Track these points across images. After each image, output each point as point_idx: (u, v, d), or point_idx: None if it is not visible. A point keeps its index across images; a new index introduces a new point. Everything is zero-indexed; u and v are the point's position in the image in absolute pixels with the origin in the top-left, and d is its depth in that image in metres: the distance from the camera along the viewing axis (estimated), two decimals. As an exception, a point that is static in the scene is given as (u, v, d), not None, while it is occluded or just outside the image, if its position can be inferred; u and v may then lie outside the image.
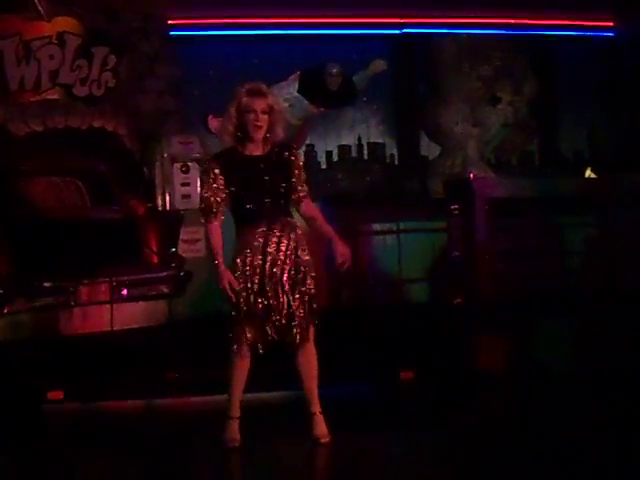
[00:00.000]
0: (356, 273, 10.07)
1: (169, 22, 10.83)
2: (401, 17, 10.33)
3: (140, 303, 8.52)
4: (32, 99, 10.05)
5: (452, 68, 11.93)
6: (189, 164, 9.77)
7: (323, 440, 5.61)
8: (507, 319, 8.22)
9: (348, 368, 7.30)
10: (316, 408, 5.68)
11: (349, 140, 12.59)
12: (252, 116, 5.57)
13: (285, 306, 5.55)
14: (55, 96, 10.17)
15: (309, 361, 5.68)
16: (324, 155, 12.23)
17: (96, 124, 10.30)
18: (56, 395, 6.87)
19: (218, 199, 5.58)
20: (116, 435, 6.31)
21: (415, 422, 6.43)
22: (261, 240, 5.56)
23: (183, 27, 10.93)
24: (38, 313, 8.05)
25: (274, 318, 5.54)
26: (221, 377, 5.68)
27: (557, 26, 11.87)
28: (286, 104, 10.33)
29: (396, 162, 12.76)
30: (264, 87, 5.70)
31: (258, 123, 5.57)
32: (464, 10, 11.61)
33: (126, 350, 7.65)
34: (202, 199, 5.66)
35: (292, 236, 5.63)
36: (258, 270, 5.55)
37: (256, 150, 5.68)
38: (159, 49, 10.79)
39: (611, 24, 11.73)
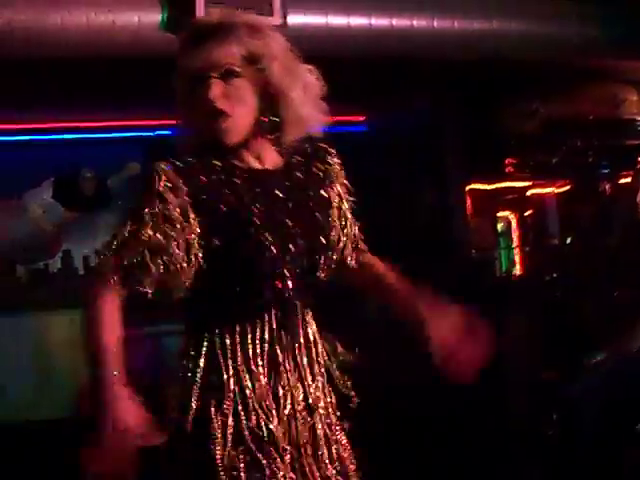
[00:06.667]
0: None
1: None
2: (155, 119, 9.91)
3: None
4: None
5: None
6: None
7: None
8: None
9: None
10: None
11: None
12: (200, 91, 2.55)
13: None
14: None
15: None
16: (81, 260, 10.79)
17: None
18: None
19: (186, 255, 2.59)
20: None
21: None
22: (268, 359, 2.64)
23: None
24: None
25: None
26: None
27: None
28: (40, 210, 10.56)
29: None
30: (239, 18, 2.62)
31: (214, 104, 2.54)
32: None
33: None
34: (126, 244, 2.56)
35: (322, 351, 2.76)
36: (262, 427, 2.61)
37: (256, 157, 2.69)
38: None
39: (362, 118, 11.24)
